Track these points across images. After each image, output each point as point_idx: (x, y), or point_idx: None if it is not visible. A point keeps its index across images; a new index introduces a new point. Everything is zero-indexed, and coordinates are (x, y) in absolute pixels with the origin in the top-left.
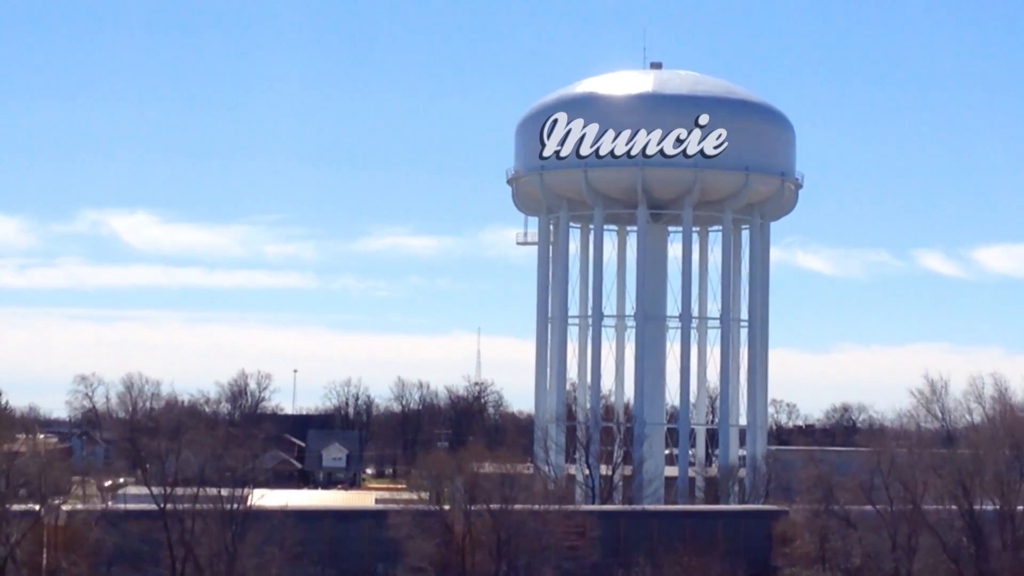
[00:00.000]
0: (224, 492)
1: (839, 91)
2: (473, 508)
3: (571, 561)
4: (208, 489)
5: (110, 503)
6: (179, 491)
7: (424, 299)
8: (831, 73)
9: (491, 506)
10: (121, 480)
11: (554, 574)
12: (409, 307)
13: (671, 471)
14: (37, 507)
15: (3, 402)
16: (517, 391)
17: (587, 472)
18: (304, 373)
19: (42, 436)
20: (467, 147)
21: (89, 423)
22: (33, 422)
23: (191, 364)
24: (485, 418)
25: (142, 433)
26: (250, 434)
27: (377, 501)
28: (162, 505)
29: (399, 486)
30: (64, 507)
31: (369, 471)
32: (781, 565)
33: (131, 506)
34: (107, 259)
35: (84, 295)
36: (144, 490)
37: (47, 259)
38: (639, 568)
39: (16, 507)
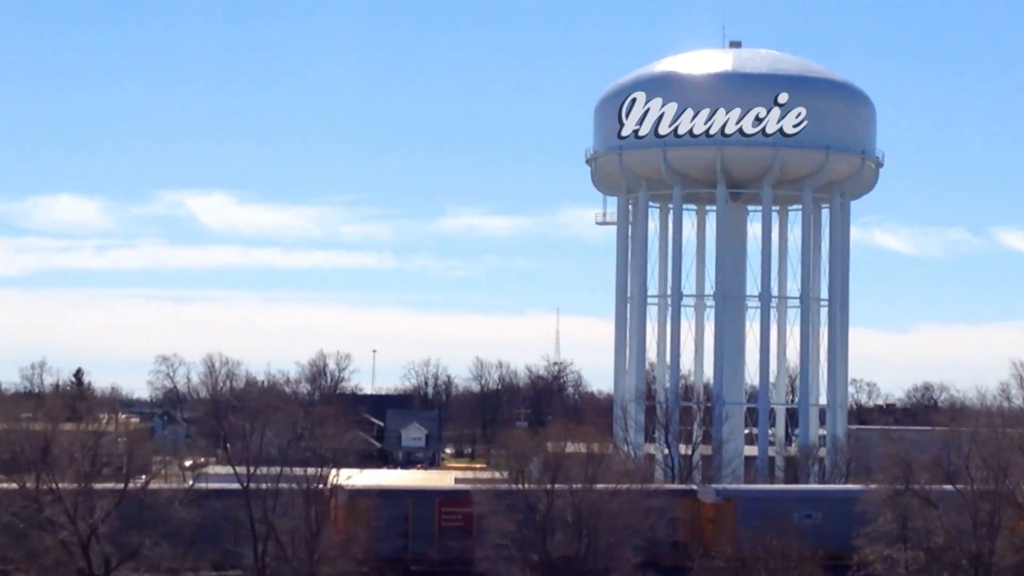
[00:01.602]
0: (306, 471)
1: (919, 68)
2: (553, 487)
3: (651, 541)
4: (291, 468)
5: (192, 482)
6: (261, 470)
7: (502, 279)
8: (911, 51)
9: (572, 485)
10: (202, 460)
11: (634, 554)
12: (487, 287)
13: (750, 451)
14: (121, 486)
15: (86, 382)
16: (596, 371)
17: (666, 452)
18: (383, 353)
19: (124, 416)
20: (545, 127)
21: (170, 403)
22: (115, 402)
23: (269, 344)
24: (564, 398)
25: (224, 412)
26: (332, 414)
27: (456, 480)
28: (245, 484)
29: (478, 465)
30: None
31: (448, 451)
32: (861, 544)
33: (213, 485)
34: (185, 240)
35: (163, 276)
36: (226, 469)
37: (126, 240)
38: (719, 548)
39: (100, 486)
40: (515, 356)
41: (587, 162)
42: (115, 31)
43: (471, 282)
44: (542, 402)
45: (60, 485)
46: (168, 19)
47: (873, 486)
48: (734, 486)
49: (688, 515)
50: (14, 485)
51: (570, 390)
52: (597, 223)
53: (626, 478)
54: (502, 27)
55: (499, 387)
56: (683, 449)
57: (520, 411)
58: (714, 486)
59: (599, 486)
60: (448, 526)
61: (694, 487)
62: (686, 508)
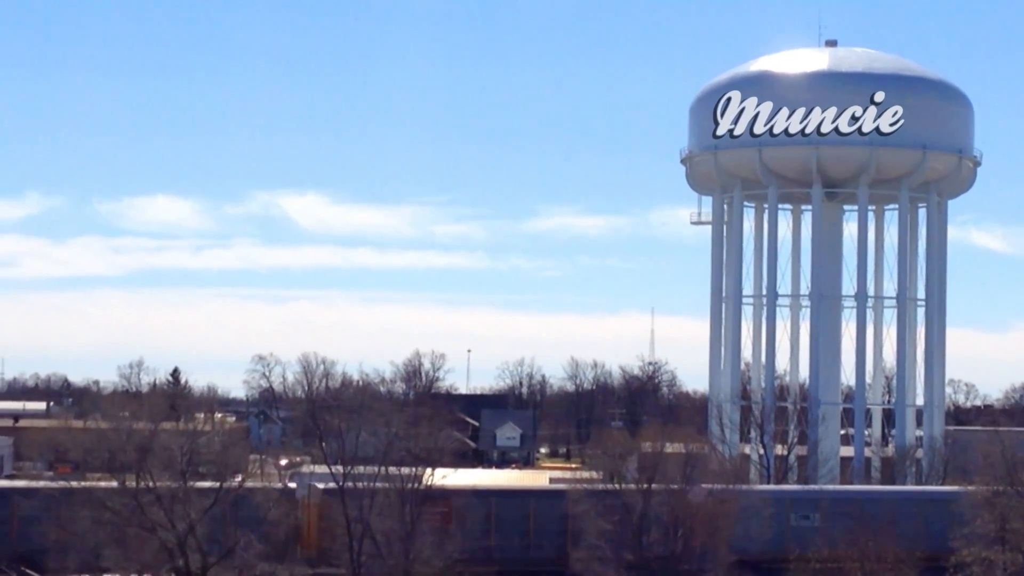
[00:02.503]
0: (402, 471)
1: (1017, 66)
2: (650, 487)
3: (746, 540)
4: (386, 468)
5: (288, 481)
6: (357, 470)
7: (595, 279)
8: (1009, 48)
9: (668, 485)
10: (298, 459)
11: (730, 554)
12: (580, 287)
13: (846, 451)
14: (217, 485)
15: (183, 382)
16: (691, 370)
17: (762, 452)
18: (477, 353)
19: (221, 415)
20: (640, 126)
21: (266, 402)
22: (212, 401)
23: (364, 344)
24: (659, 398)
25: (320, 412)
26: (427, 413)
27: (551, 480)
28: (340, 483)
29: (573, 465)
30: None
31: (543, 450)
32: (958, 546)
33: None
34: (279, 240)
35: (257, 276)
36: (322, 468)
37: (221, 240)
38: (814, 548)
39: (197, 485)
40: (609, 356)
41: (682, 162)
42: (208, 31)
43: (564, 282)
44: (637, 402)
45: (158, 484)
46: (265, 20)
47: (971, 487)
48: (830, 487)
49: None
50: (114, 483)
51: (665, 390)
52: (692, 223)
53: (721, 478)
54: (597, 26)
55: (593, 387)
56: (778, 450)
57: (614, 411)
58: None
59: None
60: (542, 526)
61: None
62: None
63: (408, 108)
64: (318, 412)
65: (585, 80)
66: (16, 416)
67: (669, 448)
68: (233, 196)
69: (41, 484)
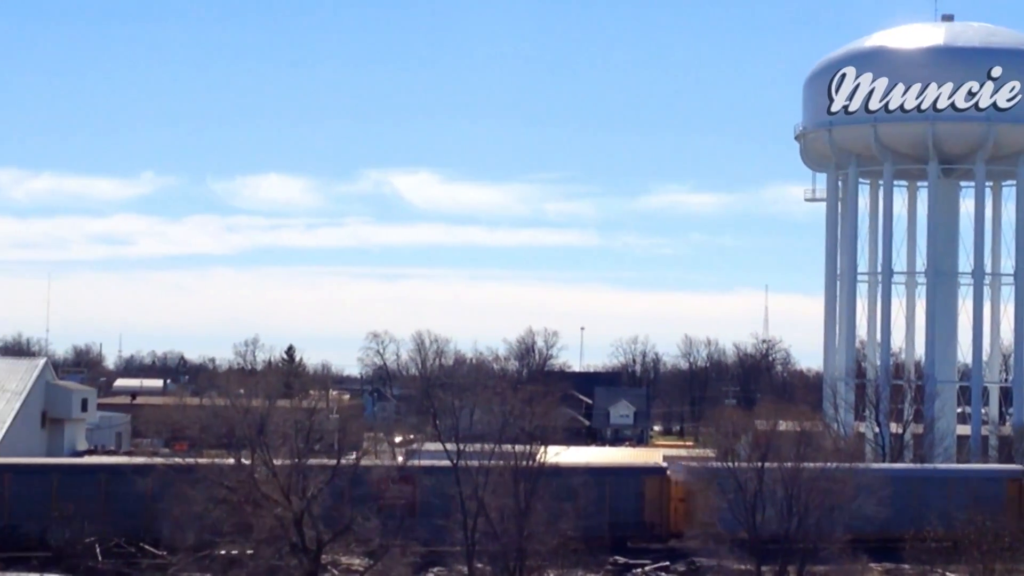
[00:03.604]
0: (516, 448)
1: None
2: (764, 465)
3: (861, 520)
4: (499, 446)
5: (402, 459)
6: (472, 447)
7: (707, 256)
8: None
9: (782, 464)
10: (411, 436)
11: (845, 533)
12: (692, 264)
13: (963, 429)
14: (332, 462)
15: (297, 359)
16: (805, 348)
17: (877, 430)
18: (590, 330)
19: (335, 393)
20: (752, 102)
21: (380, 380)
22: (327, 379)
23: (475, 322)
24: (772, 376)
25: (434, 389)
26: (540, 391)
27: (665, 458)
28: (454, 461)
29: (686, 443)
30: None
31: (656, 428)
32: None
33: (424, 462)
34: (391, 218)
35: (369, 254)
36: (436, 446)
37: (333, 219)
38: (931, 527)
39: (313, 462)
40: (723, 333)
41: (796, 138)
42: (320, 13)
43: (676, 259)
44: (750, 380)
45: (275, 461)
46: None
47: None
48: (945, 465)
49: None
50: (230, 460)
51: (779, 368)
52: (806, 200)
53: (836, 456)
54: (712, 2)
55: (707, 365)
56: (894, 428)
57: (728, 388)
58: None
59: (810, 465)
60: (655, 502)
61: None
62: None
63: (519, 85)
64: (432, 390)
65: (698, 56)
66: (133, 393)
67: (783, 426)
68: (344, 175)
69: (158, 461)
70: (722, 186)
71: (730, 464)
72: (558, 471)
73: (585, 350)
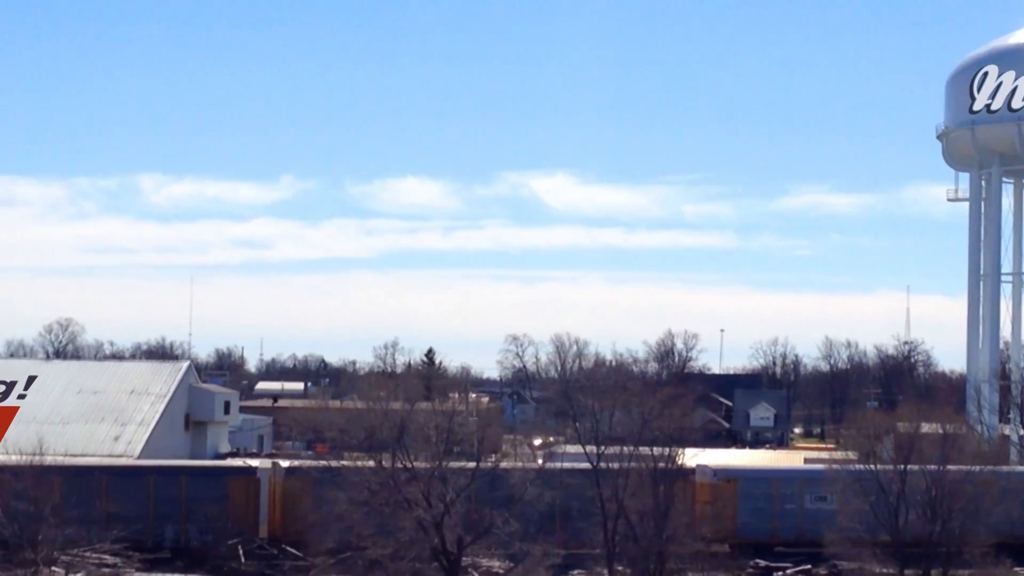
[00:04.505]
0: (656, 451)
1: None
2: (906, 468)
3: (1006, 523)
4: (638, 448)
5: (542, 461)
6: (612, 450)
7: (847, 257)
8: None
9: (926, 466)
10: (551, 439)
11: (988, 536)
12: (832, 265)
13: None
14: (473, 465)
15: (437, 362)
16: (947, 350)
17: (1021, 433)
18: (729, 332)
19: (475, 395)
20: (892, 102)
21: (519, 382)
22: (466, 382)
23: (614, 324)
24: (915, 377)
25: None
26: (680, 393)
27: (806, 461)
28: (595, 464)
29: (828, 446)
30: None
31: (796, 430)
32: None
33: (566, 464)
34: (529, 221)
35: (508, 256)
36: (576, 449)
37: (471, 221)
38: None
39: (453, 465)
40: (863, 335)
41: (938, 137)
42: (459, 15)
43: (815, 261)
44: (892, 382)
45: (415, 464)
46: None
47: None
48: None
49: None
50: (371, 463)
51: (920, 369)
52: (948, 199)
53: (981, 459)
54: (851, 1)
55: (848, 367)
56: None
57: (870, 391)
58: None
59: (953, 467)
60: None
61: None
62: None
63: (656, 87)
64: (572, 392)
65: (837, 56)
66: (275, 396)
67: (926, 428)
68: (482, 177)
69: (302, 463)
70: (862, 186)
71: (872, 467)
72: (699, 473)
73: (725, 352)
